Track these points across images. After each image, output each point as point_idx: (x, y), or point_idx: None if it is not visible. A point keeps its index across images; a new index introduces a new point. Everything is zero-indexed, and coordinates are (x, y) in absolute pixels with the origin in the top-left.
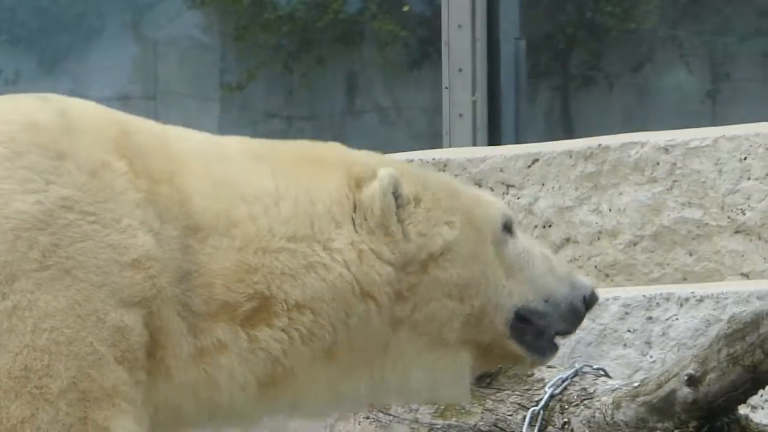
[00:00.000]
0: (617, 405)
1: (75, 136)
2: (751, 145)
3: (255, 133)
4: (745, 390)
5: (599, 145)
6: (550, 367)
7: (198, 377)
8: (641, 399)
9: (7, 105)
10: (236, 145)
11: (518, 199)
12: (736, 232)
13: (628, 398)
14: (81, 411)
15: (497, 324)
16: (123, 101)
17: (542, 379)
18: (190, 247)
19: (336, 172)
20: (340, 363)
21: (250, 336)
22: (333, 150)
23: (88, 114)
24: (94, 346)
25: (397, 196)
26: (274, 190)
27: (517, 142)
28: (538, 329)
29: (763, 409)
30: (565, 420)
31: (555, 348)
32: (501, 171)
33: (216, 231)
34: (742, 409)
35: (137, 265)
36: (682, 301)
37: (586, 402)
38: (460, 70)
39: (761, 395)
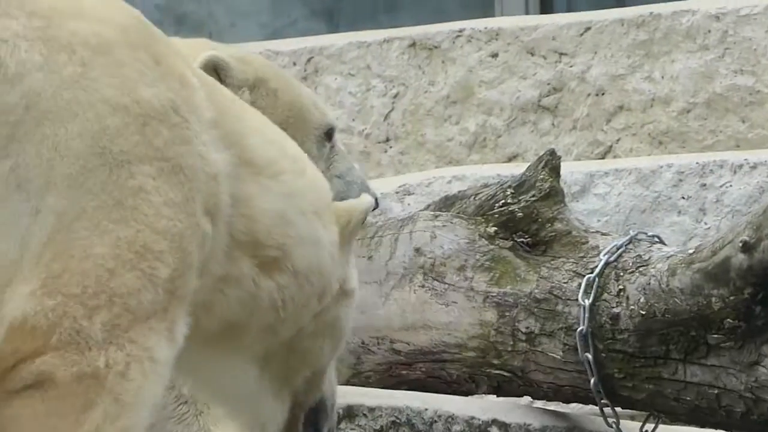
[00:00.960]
0: (672, 272)
1: (161, 44)
2: None
3: (307, 3)
4: None
5: (651, 13)
6: (604, 234)
7: (210, 299)
8: (696, 266)
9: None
10: None
11: (571, 67)
12: None
13: (683, 265)
14: (168, 303)
15: None
16: None
17: (597, 247)
18: (245, 178)
19: None
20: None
21: (257, 281)
22: None
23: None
24: (193, 247)
25: None
26: (302, 157)
27: (569, 10)
28: None
29: None
30: (621, 287)
31: None
32: (553, 39)
33: (268, 173)
34: None
35: (215, 179)
36: (736, 168)
37: (641, 269)
38: None
39: None
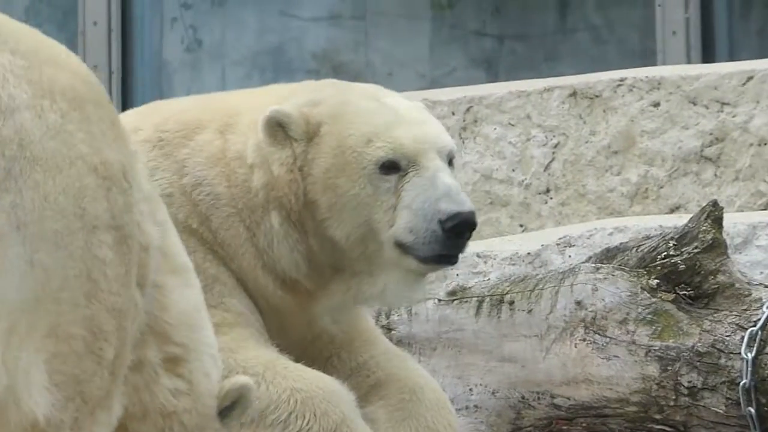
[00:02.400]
0: None
1: (112, 105)
2: None
3: (466, 53)
4: None
5: None
6: (767, 286)
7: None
8: None
9: None
10: None
11: (733, 117)
12: None
13: None
14: (111, 385)
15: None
16: (333, 21)
17: (760, 299)
18: (163, 267)
19: None
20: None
21: (157, 375)
22: None
23: None
24: (129, 323)
25: None
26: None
27: (730, 59)
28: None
29: None
30: None
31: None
32: (715, 89)
33: (181, 274)
34: None
35: (147, 251)
36: None
37: None
38: None
39: None
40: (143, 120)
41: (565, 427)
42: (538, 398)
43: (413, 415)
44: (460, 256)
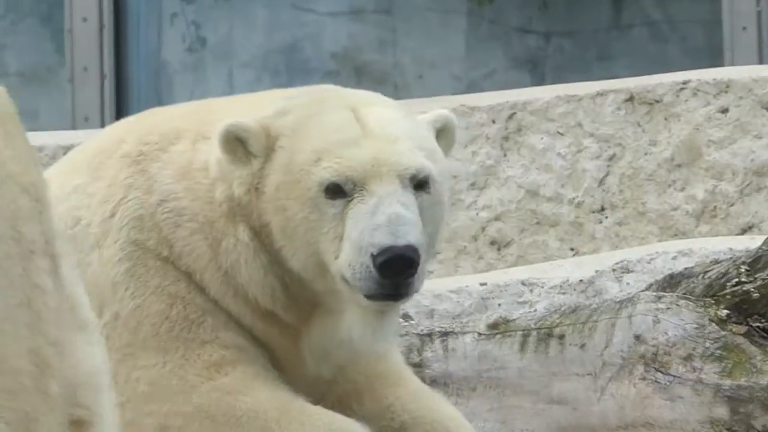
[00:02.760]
0: None
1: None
2: None
3: (508, 52)
4: None
5: None
6: None
7: None
8: None
9: None
10: None
11: None
12: None
13: None
14: (54, 424)
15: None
16: (355, 15)
17: None
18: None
19: None
20: None
21: None
22: None
23: None
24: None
25: None
26: None
27: None
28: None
29: None
30: None
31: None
32: None
33: (87, 332)
34: None
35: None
36: None
37: None
38: None
39: None
40: (130, 131)
41: None
42: None
43: None
44: (416, 292)
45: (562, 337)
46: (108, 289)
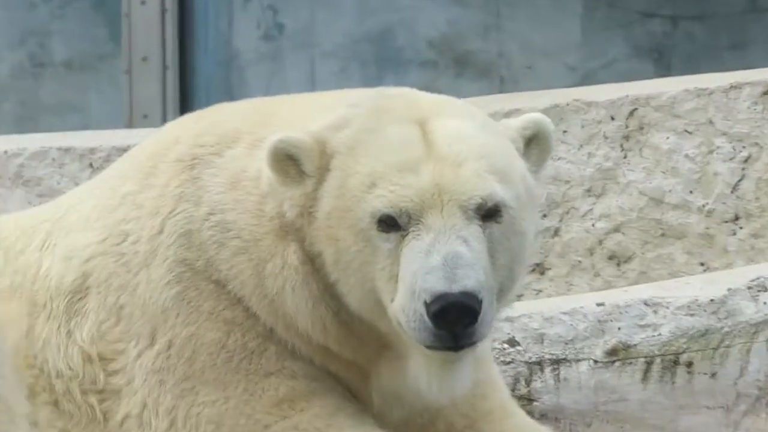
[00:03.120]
0: None
1: None
2: None
3: (629, 39)
4: None
5: None
6: None
7: None
8: None
9: None
10: None
11: None
12: None
13: None
14: None
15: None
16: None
17: None
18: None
19: None
20: None
21: None
22: None
23: None
24: None
25: None
26: None
27: None
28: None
29: None
30: None
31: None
32: None
33: None
34: None
35: None
36: None
37: None
38: None
39: None
40: (187, 130)
41: None
42: None
43: None
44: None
45: (690, 364)
46: (158, 315)
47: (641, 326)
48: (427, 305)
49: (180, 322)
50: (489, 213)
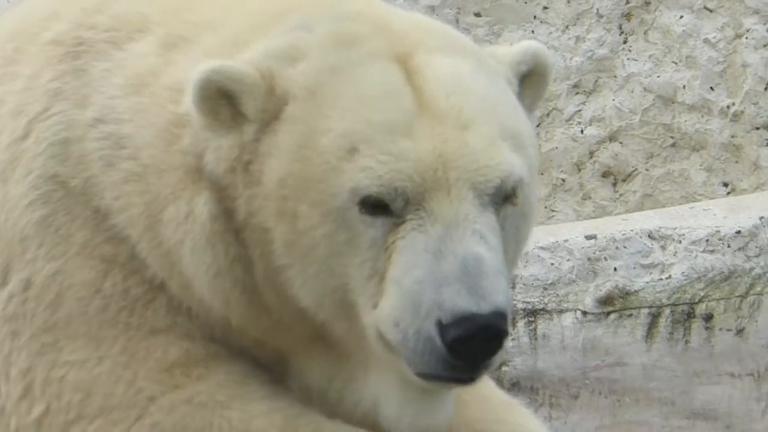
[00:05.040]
0: None
1: None
2: None
3: None
4: None
5: None
6: None
7: None
8: None
9: None
10: None
11: None
12: None
13: None
14: None
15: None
16: None
17: None
18: None
19: None
20: None
21: None
22: None
23: None
24: None
25: None
26: None
27: None
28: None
29: None
30: None
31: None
32: None
33: None
34: None
35: None
36: None
37: None
38: None
39: None
40: (69, 3)
41: None
42: None
43: None
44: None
45: (709, 318)
46: (15, 245)
47: (645, 267)
48: (442, 327)
49: (43, 254)
50: (505, 196)
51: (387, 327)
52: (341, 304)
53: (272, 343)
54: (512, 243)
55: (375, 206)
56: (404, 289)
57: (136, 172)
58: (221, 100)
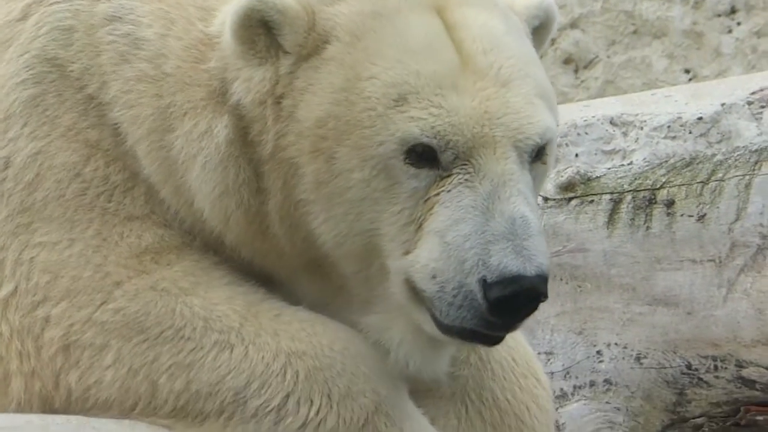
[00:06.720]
0: None
1: None
2: None
3: None
4: None
5: None
6: None
7: None
8: None
9: None
10: None
11: None
12: None
13: None
14: None
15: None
16: None
17: None
18: None
19: None
20: None
21: None
22: None
23: None
24: None
25: None
26: None
27: None
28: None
29: None
30: None
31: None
32: None
33: None
34: None
35: None
36: None
37: None
38: None
39: None
40: None
41: (761, 418)
42: (716, 368)
43: (470, 389)
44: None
45: (670, 204)
46: None
47: (606, 153)
48: (485, 285)
49: (26, 133)
50: (538, 155)
51: (422, 277)
52: (365, 247)
53: (263, 264)
54: (534, 200)
55: (422, 157)
56: (448, 243)
57: (152, 75)
58: (260, 29)
